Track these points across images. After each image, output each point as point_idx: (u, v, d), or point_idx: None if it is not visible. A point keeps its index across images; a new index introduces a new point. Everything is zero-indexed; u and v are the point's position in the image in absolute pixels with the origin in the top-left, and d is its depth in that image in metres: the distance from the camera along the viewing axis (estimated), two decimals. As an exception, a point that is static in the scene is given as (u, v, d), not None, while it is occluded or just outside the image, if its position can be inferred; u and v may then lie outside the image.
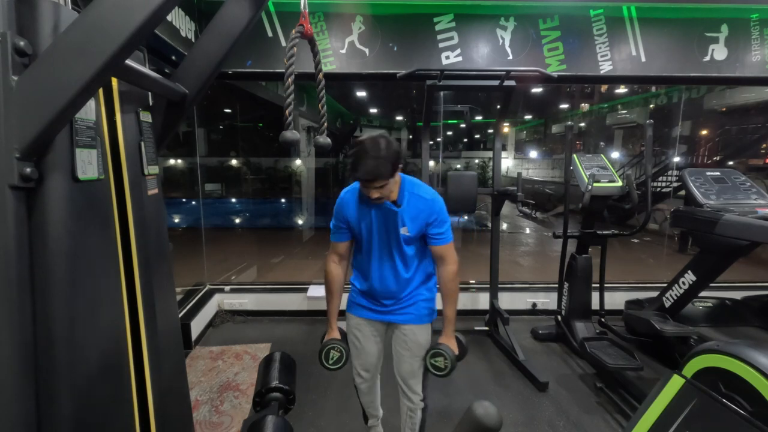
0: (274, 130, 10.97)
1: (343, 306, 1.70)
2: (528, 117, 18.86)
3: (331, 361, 1.60)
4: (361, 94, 12.22)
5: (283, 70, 1.09)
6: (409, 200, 1.48)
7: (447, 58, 3.02)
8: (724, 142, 10.86)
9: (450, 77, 2.78)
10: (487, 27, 3.01)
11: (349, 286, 1.70)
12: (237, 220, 10.37)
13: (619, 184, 2.72)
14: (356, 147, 1.34)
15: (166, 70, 2.61)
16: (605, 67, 3.05)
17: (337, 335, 1.64)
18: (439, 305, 1.65)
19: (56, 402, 0.88)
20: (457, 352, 1.56)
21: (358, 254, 1.63)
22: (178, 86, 1.27)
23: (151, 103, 1.30)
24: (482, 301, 3.60)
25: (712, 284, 2.54)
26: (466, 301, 3.67)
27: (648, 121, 2.65)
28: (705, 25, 3.03)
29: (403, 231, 1.49)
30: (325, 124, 1.30)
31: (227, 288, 3.65)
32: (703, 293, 2.64)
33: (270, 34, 2.95)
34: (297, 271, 5.65)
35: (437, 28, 2.99)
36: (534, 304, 3.64)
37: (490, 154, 3.97)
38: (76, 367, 0.91)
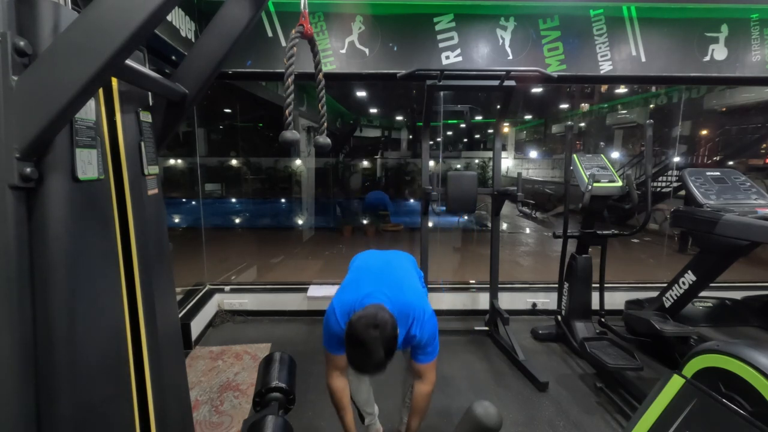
0: (274, 130, 10.97)
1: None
2: (528, 117, 18.85)
3: None
4: (361, 94, 12.22)
5: (283, 70, 1.09)
6: (402, 340, 1.47)
7: (447, 58, 3.02)
8: (724, 142, 10.85)
9: (450, 77, 2.78)
10: (487, 27, 3.01)
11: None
12: (237, 220, 10.36)
13: (619, 184, 2.72)
14: (352, 341, 1.26)
15: (166, 70, 2.61)
16: (605, 67, 3.05)
17: None
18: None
19: (56, 402, 0.88)
20: None
21: None
22: (178, 86, 1.27)
23: (151, 103, 1.30)
24: (482, 301, 3.60)
25: (712, 284, 2.54)
26: (466, 301, 3.67)
27: (648, 121, 2.65)
28: (705, 25, 3.03)
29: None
30: (325, 124, 1.30)
31: (227, 288, 3.65)
32: (703, 293, 2.63)
33: (270, 34, 2.95)
34: (297, 271, 5.65)
35: (437, 28, 2.99)
36: (534, 304, 3.64)
37: (490, 154, 3.97)
38: (76, 366, 0.91)
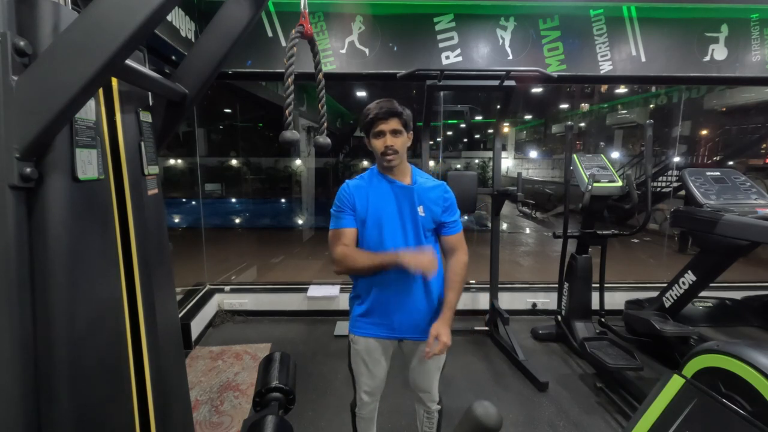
0: (274, 130, 10.99)
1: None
2: (528, 117, 18.88)
3: None
4: (361, 94, 12.21)
5: (283, 70, 1.09)
6: (420, 182, 1.46)
7: (447, 58, 3.02)
8: (724, 142, 10.87)
9: (450, 77, 2.78)
10: (487, 27, 3.01)
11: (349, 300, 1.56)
12: (237, 220, 10.37)
13: (619, 184, 2.72)
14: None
15: (166, 70, 2.62)
16: (605, 67, 3.05)
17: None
18: None
19: (56, 402, 0.88)
20: (449, 341, 1.36)
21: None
22: (178, 86, 1.27)
23: (151, 103, 1.30)
24: (482, 301, 3.60)
25: (712, 284, 2.54)
26: (466, 301, 3.67)
27: (648, 121, 2.65)
28: (705, 25, 3.03)
29: (419, 210, 1.41)
30: (325, 124, 1.30)
31: (227, 288, 3.65)
32: (703, 293, 2.63)
33: (270, 34, 2.95)
34: (297, 271, 5.66)
35: (437, 28, 2.99)
36: (534, 304, 3.64)
37: (490, 154, 3.97)
38: (76, 366, 0.91)
